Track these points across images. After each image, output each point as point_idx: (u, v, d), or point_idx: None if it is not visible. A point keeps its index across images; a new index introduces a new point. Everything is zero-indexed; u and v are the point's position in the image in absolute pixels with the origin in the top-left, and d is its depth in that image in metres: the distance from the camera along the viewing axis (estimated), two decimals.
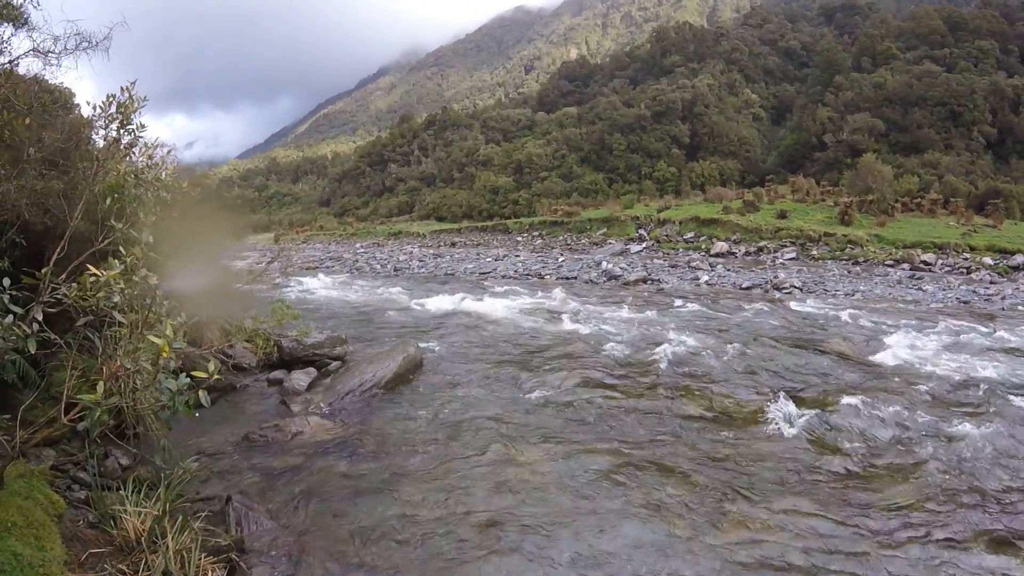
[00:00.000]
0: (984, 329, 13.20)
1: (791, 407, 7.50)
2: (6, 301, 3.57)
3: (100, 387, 3.34)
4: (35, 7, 5.49)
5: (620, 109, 73.44)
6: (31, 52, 5.12)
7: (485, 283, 22.78)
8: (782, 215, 39.45)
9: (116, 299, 3.59)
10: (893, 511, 5.25)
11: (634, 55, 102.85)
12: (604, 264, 27.30)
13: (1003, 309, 16.70)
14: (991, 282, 22.70)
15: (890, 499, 5.46)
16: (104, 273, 3.54)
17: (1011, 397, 8.08)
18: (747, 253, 33.27)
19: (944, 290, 19.82)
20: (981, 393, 8.40)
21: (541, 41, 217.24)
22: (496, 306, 16.01)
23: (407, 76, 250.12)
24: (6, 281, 3.72)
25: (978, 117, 56.17)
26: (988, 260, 27.45)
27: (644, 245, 38.17)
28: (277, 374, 8.72)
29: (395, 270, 30.35)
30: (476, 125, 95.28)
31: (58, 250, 3.98)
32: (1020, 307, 16.97)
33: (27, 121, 4.61)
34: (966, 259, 27.94)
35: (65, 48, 5.07)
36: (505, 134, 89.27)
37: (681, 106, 70.35)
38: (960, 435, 6.77)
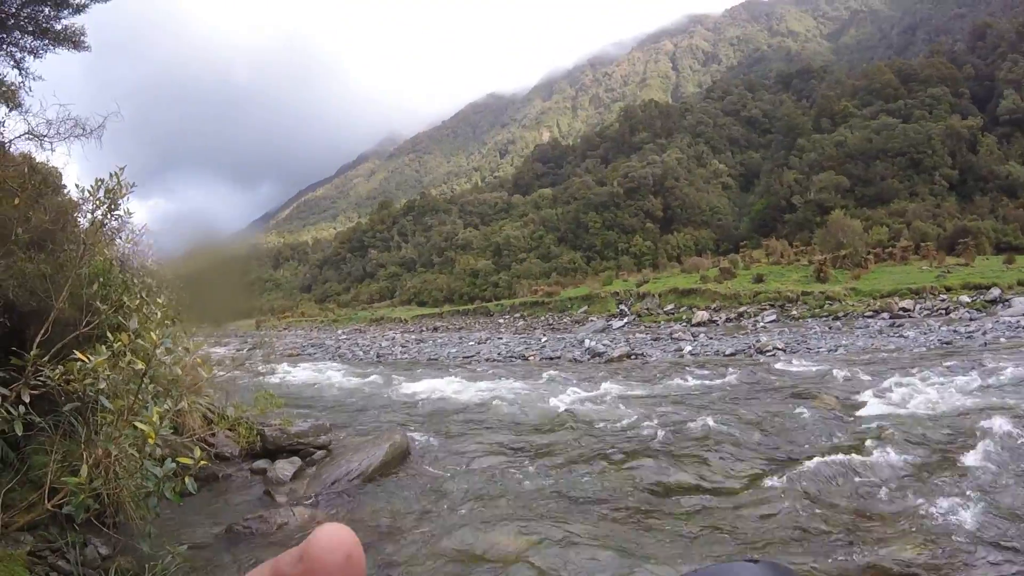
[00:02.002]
0: (967, 367, 13.30)
1: (784, 468, 7.47)
2: None
3: (84, 471, 3.31)
4: (28, 93, 5.65)
5: (594, 188, 75.34)
6: (26, 135, 5.24)
7: (469, 367, 22.62)
8: (759, 279, 40.06)
9: (102, 385, 3.60)
10: (899, 564, 5.18)
11: (604, 134, 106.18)
12: (587, 342, 27.26)
13: (985, 344, 16.87)
14: (971, 319, 23.06)
15: (894, 552, 5.40)
16: (91, 359, 3.55)
17: (1002, 434, 8.09)
18: (728, 319, 33.52)
19: (925, 334, 20.02)
20: (971, 433, 8.40)
21: (514, 126, 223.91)
22: (481, 390, 15.87)
23: (386, 163, 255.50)
24: None
25: (938, 161, 58.28)
26: (965, 298, 27.91)
27: (626, 320, 38.37)
28: (260, 463, 8.54)
29: (378, 356, 30.15)
30: (454, 209, 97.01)
31: (42, 332, 4.00)
32: (1002, 339, 17.16)
33: (16, 202, 4.68)
34: (943, 300, 28.38)
35: (59, 133, 5.20)
36: (483, 217, 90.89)
37: (652, 181, 72.30)
38: (956, 478, 6.76)
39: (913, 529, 5.80)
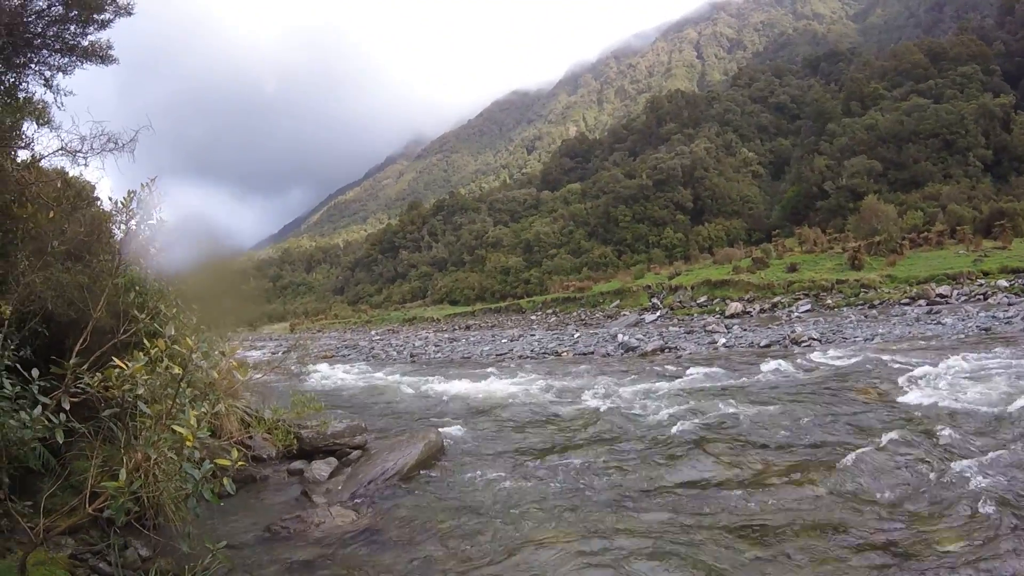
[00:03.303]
0: (1007, 353, 13.01)
1: (822, 462, 7.38)
2: (35, 392, 3.68)
3: (122, 474, 3.40)
4: (60, 108, 5.82)
5: (622, 181, 74.90)
6: (60, 151, 5.38)
7: (502, 364, 22.62)
8: (792, 268, 39.55)
9: (140, 391, 3.70)
10: (944, 557, 5.09)
11: (631, 127, 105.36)
12: (620, 336, 27.05)
13: None
14: (1009, 304, 22.59)
15: (939, 545, 5.30)
16: (129, 365, 3.66)
17: None
18: (762, 310, 33.14)
19: (963, 320, 19.63)
20: (1015, 421, 8.23)
21: (540, 121, 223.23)
22: (515, 387, 15.89)
23: (414, 163, 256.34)
24: (34, 372, 3.83)
25: (972, 142, 56.84)
26: (1003, 283, 27.37)
27: (658, 313, 38.11)
28: (297, 464, 8.67)
29: (411, 356, 30.32)
30: (483, 208, 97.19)
31: (80, 341, 4.11)
32: None
33: (51, 215, 4.81)
34: (981, 285, 27.87)
35: (92, 149, 5.33)
36: (512, 215, 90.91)
37: (681, 172, 71.66)
38: (1001, 466, 6.62)
39: (955, 522, 5.69)
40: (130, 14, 7.63)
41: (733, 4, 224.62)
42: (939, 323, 19.95)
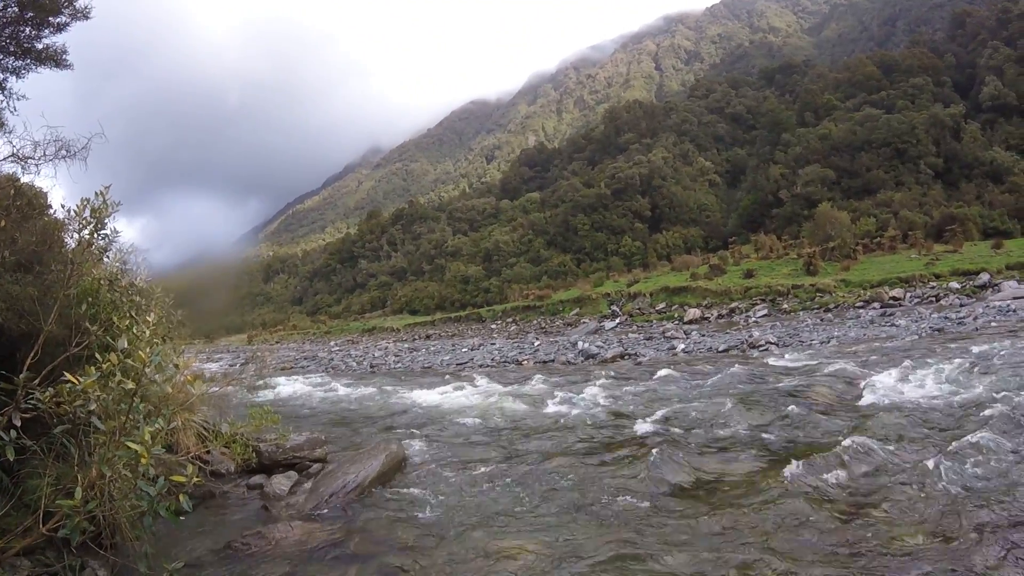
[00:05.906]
0: (960, 353, 13.36)
1: (780, 463, 7.47)
2: None
3: (78, 492, 3.29)
4: (13, 112, 5.62)
5: (581, 190, 75.45)
6: (11, 158, 5.20)
7: (463, 374, 22.45)
8: (749, 274, 40.20)
9: (93, 406, 3.58)
10: (903, 554, 5.19)
11: (590, 137, 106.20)
12: (580, 344, 27.18)
13: (976, 329, 17.02)
14: (961, 305, 23.34)
15: (897, 541, 5.40)
16: (81, 380, 3.54)
17: (997, 417, 8.13)
18: (720, 316, 33.62)
19: (917, 322, 20.18)
20: (967, 418, 8.45)
21: (500, 131, 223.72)
22: (476, 397, 15.79)
23: (372, 172, 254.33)
24: None
25: (923, 150, 58.68)
26: (955, 284, 28.25)
27: (618, 321, 38.41)
28: (257, 479, 8.49)
29: (371, 367, 29.96)
30: (443, 217, 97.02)
31: (32, 354, 3.97)
32: (993, 324, 17.31)
33: (2, 223, 4.65)
34: (933, 287, 28.73)
35: (44, 155, 5.16)
36: (472, 224, 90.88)
37: (639, 181, 72.44)
38: (954, 464, 6.78)
39: (915, 517, 5.81)
40: (87, 18, 7.44)
41: (691, 17, 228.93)
42: (893, 325, 20.47)
